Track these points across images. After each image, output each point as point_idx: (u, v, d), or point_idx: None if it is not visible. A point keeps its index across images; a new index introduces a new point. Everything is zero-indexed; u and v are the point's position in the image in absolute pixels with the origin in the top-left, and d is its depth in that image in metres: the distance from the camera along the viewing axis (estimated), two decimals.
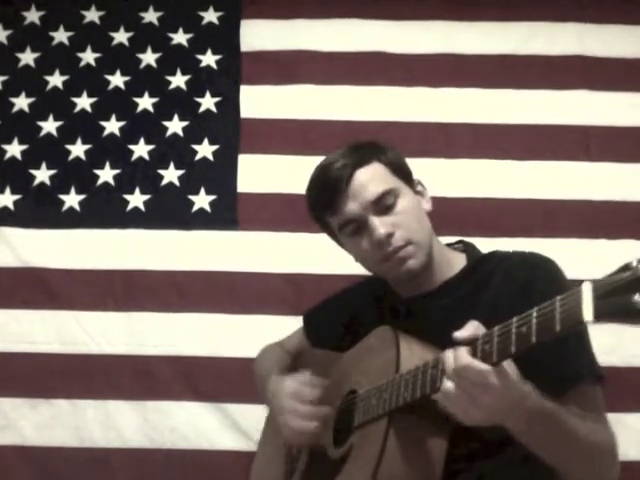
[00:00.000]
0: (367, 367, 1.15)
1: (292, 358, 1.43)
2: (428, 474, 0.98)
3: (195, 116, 2.22)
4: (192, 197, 2.15)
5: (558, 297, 0.75)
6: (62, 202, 2.15)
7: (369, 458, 1.00)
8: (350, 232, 1.15)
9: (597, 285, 0.70)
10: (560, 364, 1.01)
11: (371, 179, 1.13)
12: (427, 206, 1.20)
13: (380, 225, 1.10)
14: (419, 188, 1.21)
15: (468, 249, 1.22)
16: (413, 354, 1.04)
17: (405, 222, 1.12)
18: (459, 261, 1.19)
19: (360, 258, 1.19)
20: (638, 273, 0.66)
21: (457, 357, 0.86)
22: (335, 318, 1.37)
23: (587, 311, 0.69)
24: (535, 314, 0.78)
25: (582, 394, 1.01)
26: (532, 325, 0.77)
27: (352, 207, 1.12)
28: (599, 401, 1.04)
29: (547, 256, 1.11)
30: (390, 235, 1.10)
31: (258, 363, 1.47)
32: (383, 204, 1.12)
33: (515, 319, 0.81)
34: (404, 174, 1.18)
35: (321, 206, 1.18)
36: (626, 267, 0.68)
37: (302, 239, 2.10)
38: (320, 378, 1.21)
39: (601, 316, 0.69)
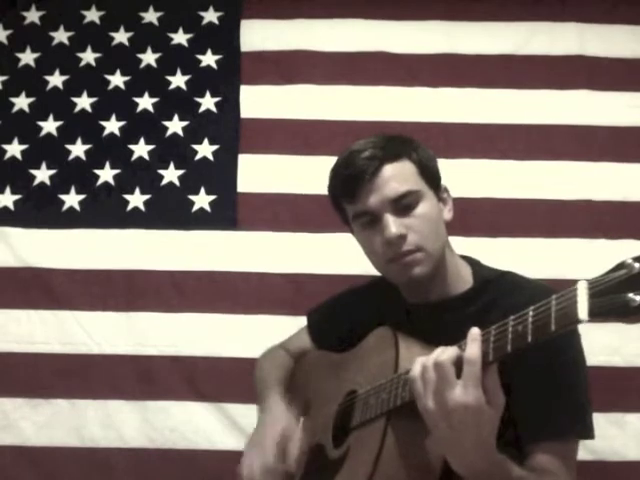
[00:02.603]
0: (367, 367, 1.15)
1: (294, 360, 1.43)
2: (426, 474, 0.98)
3: (195, 116, 2.21)
4: (192, 197, 2.15)
5: (554, 296, 0.74)
6: (62, 202, 2.14)
7: (366, 459, 0.99)
8: (364, 224, 1.14)
9: (592, 284, 0.70)
10: (544, 414, 1.00)
11: (397, 176, 1.11)
12: (448, 215, 1.18)
13: (394, 225, 1.09)
14: (444, 195, 1.19)
15: (474, 266, 1.21)
16: (412, 355, 1.04)
17: (420, 227, 1.10)
18: (468, 276, 1.18)
19: (368, 253, 1.17)
20: (633, 271, 0.66)
21: (440, 352, 0.86)
22: (339, 319, 1.36)
23: (582, 310, 0.69)
24: (531, 313, 0.77)
25: (555, 449, 0.99)
26: (528, 324, 0.77)
27: (371, 200, 1.10)
28: (570, 459, 1.02)
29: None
30: (402, 237, 1.09)
31: (258, 367, 1.46)
32: (403, 204, 1.10)
33: (512, 317, 0.80)
34: (432, 178, 1.16)
35: (341, 192, 1.16)
36: (621, 265, 0.68)
37: (302, 239, 2.10)
38: (305, 433, 1.19)
39: (596, 315, 0.68)
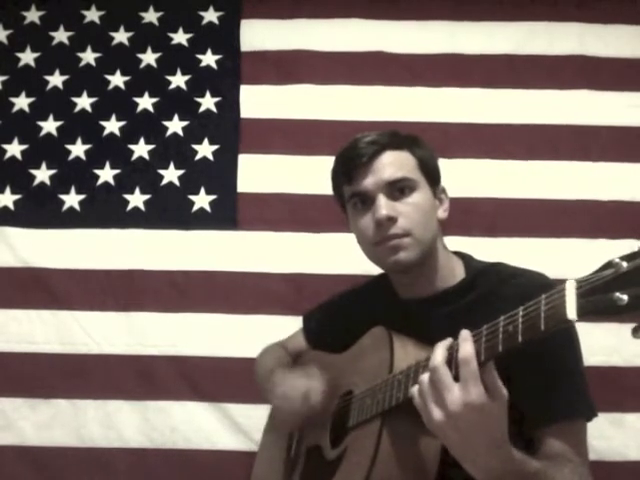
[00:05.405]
0: (362, 368, 1.15)
1: (292, 358, 1.44)
2: (422, 474, 0.98)
3: (195, 116, 2.21)
4: (192, 197, 2.15)
5: (543, 295, 0.74)
6: (62, 202, 2.14)
7: (363, 459, 1.00)
8: (357, 204, 1.16)
9: (580, 283, 0.70)
10: (548, 397, 1.01)
11: (395, 162, 1.14)
12: (442, 215, 1.20)
13: (385, 206, 1.10)
14: (441, 195, 1.21)
15: (465, 259, 1.21)
16: (407, 354, 1.04)
17: (411, 214, 1.12)
18: (460, 270, 1.19)
19: (359, 237, 1.19)
20: (620, 270, 0.66)
21: (433, 356, 0.86)
22: (334, 320, 1.37)
23: (571, 310, 0.69)
24: (521, 313, 0.77)
25: (564, 431, 1.00)
26: (518, 324, 0.77)
27: (367, 181, 1.13)
28: (580, 440, 1.02)
29: (549, 283, 1.06)
30: (391, 219, 1.10)
31: (259, 362, 1.48)
32: (397, 188, 1.13)
33: (502, 317, 0.81)
34: (431, 174, 1.19)
35: (341, 173, 1.19)
36: (609, 264, 0.68)
37: (302, 239, 2.11)
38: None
39: (584, 314, 0.69)
